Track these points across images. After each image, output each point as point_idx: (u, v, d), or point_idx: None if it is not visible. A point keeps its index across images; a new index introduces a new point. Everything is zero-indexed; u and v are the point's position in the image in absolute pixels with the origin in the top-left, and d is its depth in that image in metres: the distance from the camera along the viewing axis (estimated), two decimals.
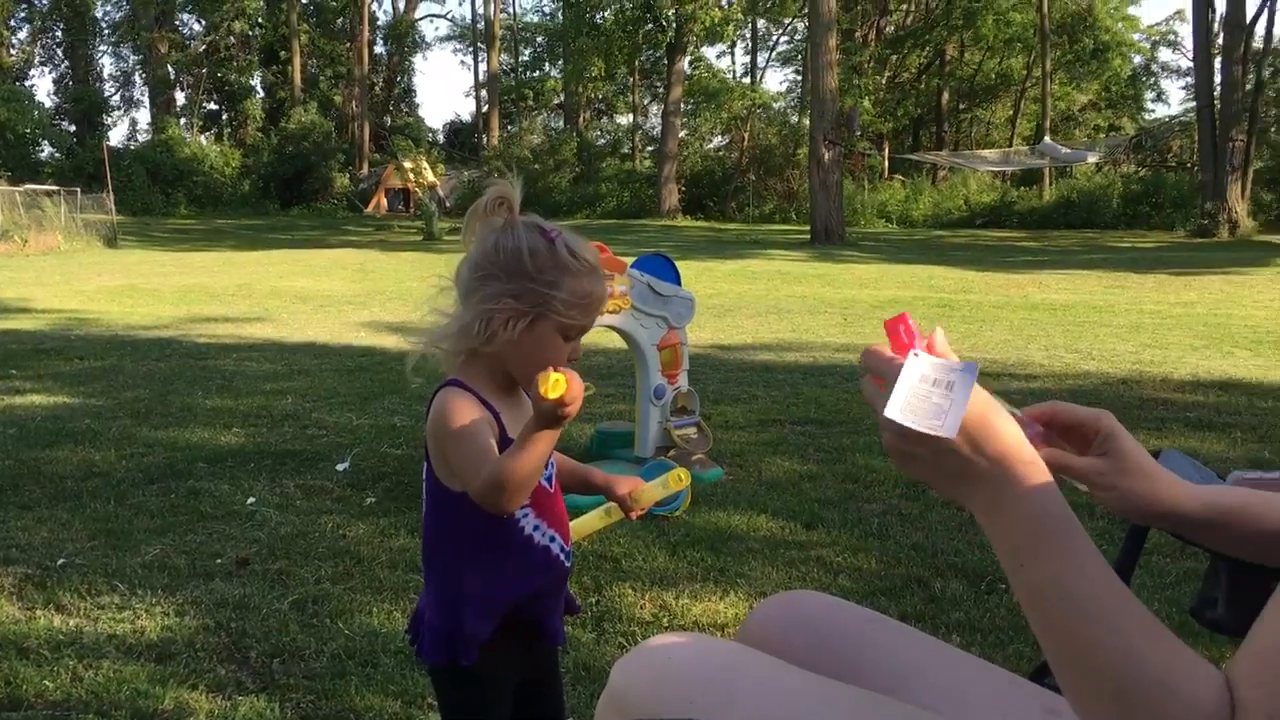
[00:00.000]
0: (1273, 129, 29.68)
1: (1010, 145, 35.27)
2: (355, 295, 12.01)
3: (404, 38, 51.97)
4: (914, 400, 0.90)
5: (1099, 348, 8.00)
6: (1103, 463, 1.14)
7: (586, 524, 1.74)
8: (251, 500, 4.00)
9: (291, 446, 4.85)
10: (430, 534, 1.61)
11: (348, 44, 47.27)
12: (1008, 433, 0.90)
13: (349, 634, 2.76)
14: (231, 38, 45.28)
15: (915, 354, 0.92)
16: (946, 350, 0.95)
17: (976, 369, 0.90)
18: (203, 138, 45.86)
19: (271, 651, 2.67)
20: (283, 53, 44.77)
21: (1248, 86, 25.76)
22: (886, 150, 37.82)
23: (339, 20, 48.36)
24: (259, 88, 48.27)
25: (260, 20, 46.20)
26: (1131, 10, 40.84)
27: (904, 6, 41.44)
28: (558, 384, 1.32)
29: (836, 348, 8.02)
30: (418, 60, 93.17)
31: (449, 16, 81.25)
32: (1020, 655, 2.60)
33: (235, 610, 2.93)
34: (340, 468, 4.46)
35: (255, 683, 2.51)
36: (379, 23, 51.31)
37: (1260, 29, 27.02)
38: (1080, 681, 0.85)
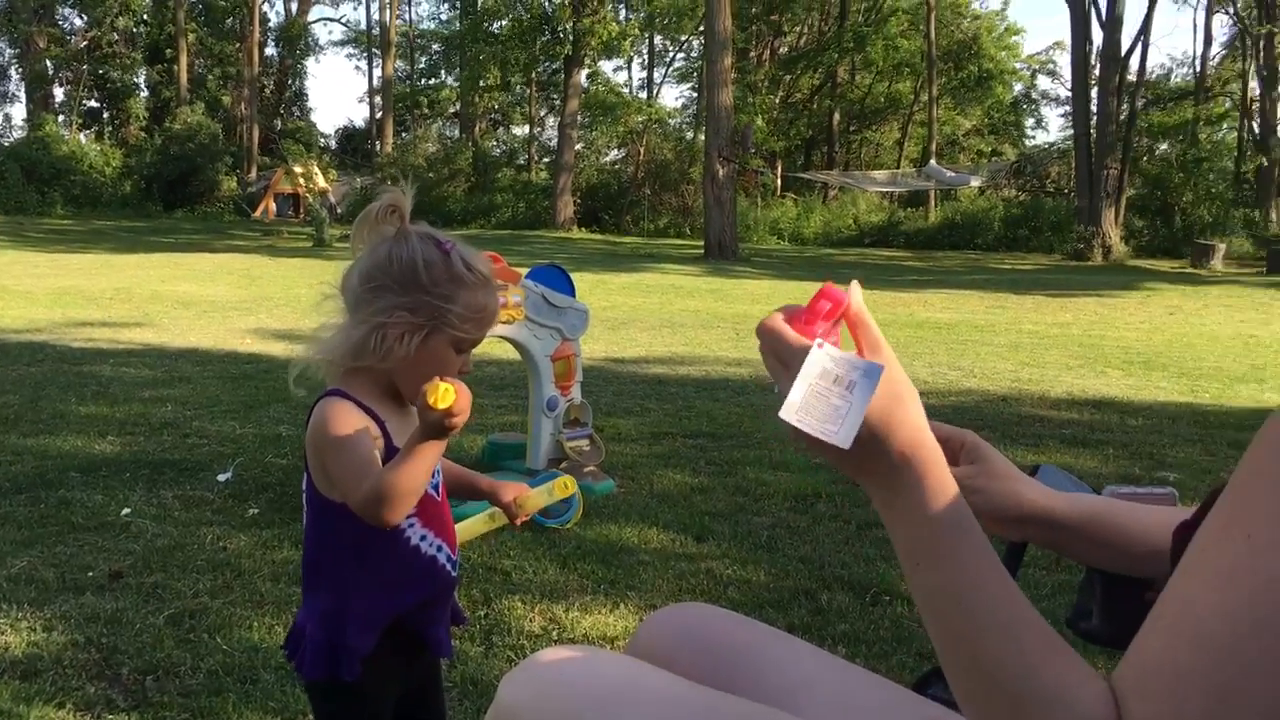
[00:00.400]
0: (1144, 158, 31.04)
1: (898, 167, 36.22)
2: (241, 301, 11.71)
3: (296, 40, 50.95)
4: (811, 399, 0.84)
5: (980, 366, 8.24)
6: (971, 469, 1.23)
7: (470, 528, 1.72)
8: (126, 511, 3.86)
9: (170, 456, 4.69)
10: (312, 545, 1.57)
11: (237, 44, 46.14)
12: (913, 426, 0.87)
13: (227, 649, 2.68)
14: (115, 34, 43.78)
15: (820, 344, 0.85)
16: (863, 311, 0.89)
17: (881, 371, 0.85)
18: (82, 136, 44.21)
19: (145, 668, 2.57)
20: (169, 51, 43.47)
21: (1122, 117, 26.90)
22: (779, 168, 38.45)
23: (229, 20, 47.17)
24: (143, 86, 46.77)
25: (146, 17, 44.78)
26: (1014, 39, 42.32)
27: (798, 29, 42.24)
28: (446, 394, 1.30)
29: (729, 362, 8.10)
30: (310, 64, 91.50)
31: (344, 21, 79.98)
32: (903, 666, 2.66)
33: (107, 625, 2.81)
34: (222, 478, 4.33)
35: (127, 701, 2.42)
36: (270, 24, 50.21)
37: (1135, 62, 28.31)
38: (971, 688, 0.85)
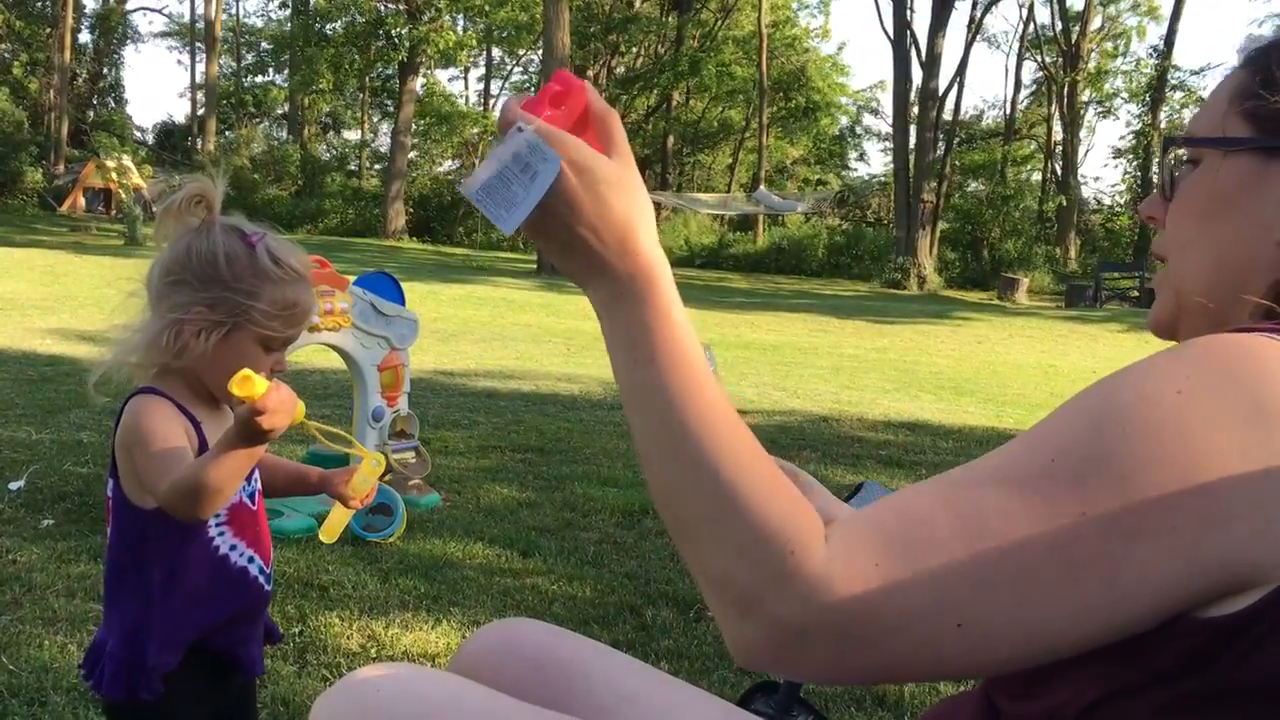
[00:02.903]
0: (957, 194, 32.72)
1: (729, 191, 37.04)
2: (42, 300, 11.01)
3: (114, 29, 48.49)
4: (496, 182, 0.78)
5: (803, 387, 8.48)
6: None
7: (338, 523, 1.64)
8: None
9: None
10: (114, 556, 1.48)
11: (49, 29, 43.56)
12: (648, 237, 0.83)
13: (14, 669, 2.49)
14: None
15: (521, 128, 0.78)
16: (602, 107, 0.84)
17: (559, 162, 0.78)
18: None
19: None
20: None
21: (938, 153, 28.28)
22: None
23: (39, 3, 44.51)
24: None
25: None
26: (841, 79, 43.94)
27: (634, 49, 42.77)
28: (246, 381, 1.21)
29: (559, 377, 8.09)
30: (128, 54, 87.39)
31: (165, 12, 76.63)
32: (724, 681, 2.69)
33: None
34: (13, 486, 4.04)
35: None
36: (86, 10, 47.62)
37: (951, 101, 29.82)
38: (684, 504, 0.78)
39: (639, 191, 0.84)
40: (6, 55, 43.51)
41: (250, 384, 1.21)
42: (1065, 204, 31.44)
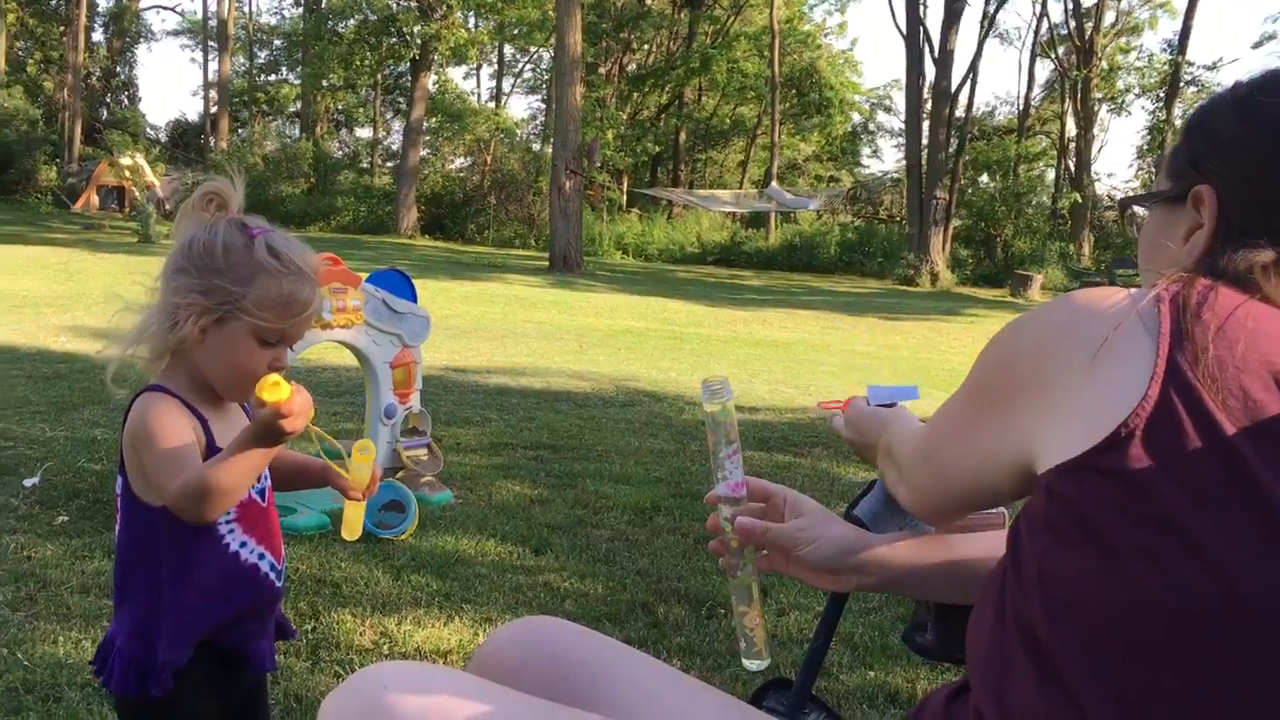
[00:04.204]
0: (970, 190, 32.59)
1: (741, 188, 36.96)
2: (56, 297, 11.05)
3: (127, 27, 48.63)
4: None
5: (816, 384, 8.46)
6: (801, 521, 1.28)
7: (354, 518, 1.64)
8: None
9: None
10: (124, 552, 1.48)
11: (62, 28, 43.69)
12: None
13: (29, 665, 2.51)
14: None
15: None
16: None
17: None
18: None
19: None
20: None
21: (950, 149, 28.16)
22: (625, 184, 38.75)
23: (53, 1, 44.66)
24: None
25: None
26: (853, 78, 43.83)
27: (646, 46, 42.72)
28: (276, 386, 1.24)
29: (571, 374, 8.09)
30: (142, 52, 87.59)
31: (179, 10, 76.72)
32: (736, 678, 2.69)
33: None
34: (28, 483, 4.06)
35: None
36: (100, 8, 47.74)
37: (964, 98, 29.69)
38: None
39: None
40: (20, 53, 43.69)
41: (279, 389, 1.24)
42: (1079, 200, 31.29)
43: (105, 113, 47.45)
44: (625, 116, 40.25)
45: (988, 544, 1.25)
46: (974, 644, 0.99)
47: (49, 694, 2.38)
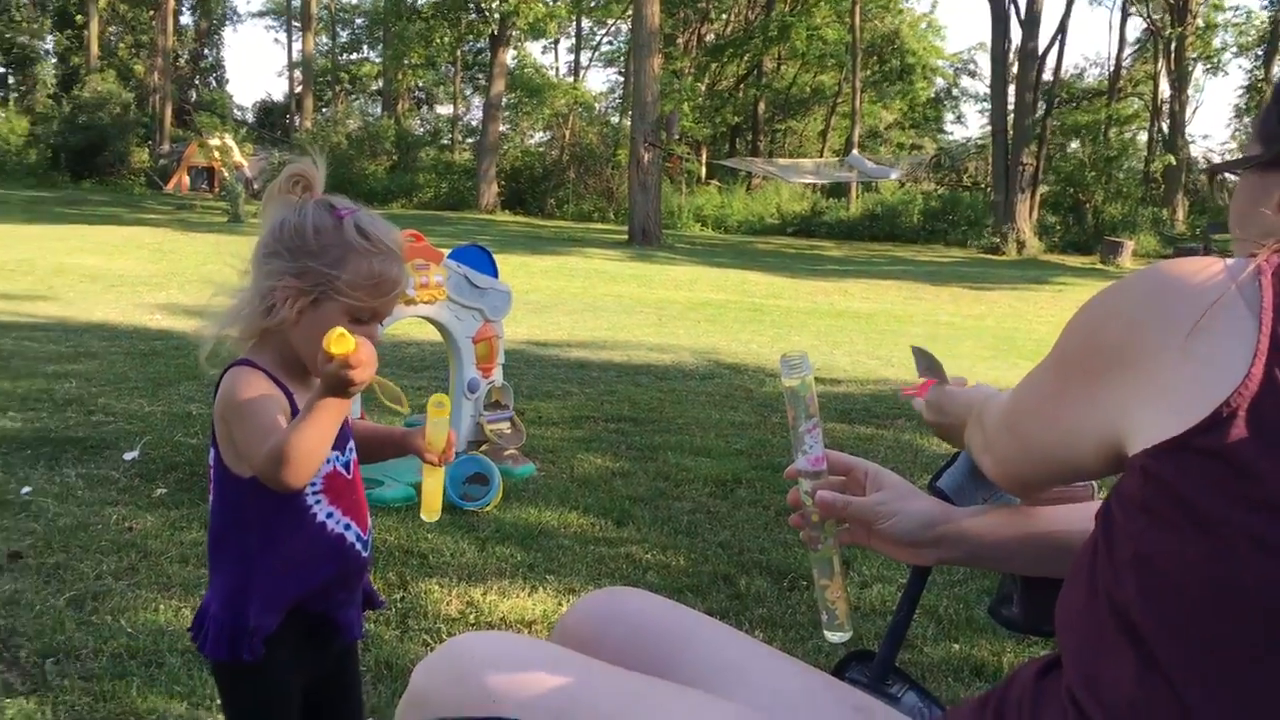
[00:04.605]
0: (1058, 156, 31.77)
1: (821, 157, 36.51)
2: (151, 276, 11.39)
3: (214, 9, 49.64)
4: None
5: (899, 355, 8.36)
6: (882, 495, 1.27)
7: (432, 492, 1.67)
8: (27, 490, 3.72)
9: (75, 433, 4.54)
10: (216, 523, 1.54)
11: (152, 11, 44.75)
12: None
13: (131, 632, 2.60)
14: None
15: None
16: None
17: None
18: None
19: (44, 651, 2.48)
20: (79, 16, 42.01)
21: (1037, 114, 27.46)
22: (704, 155, 38.55)
23: None
24: (51, 52, 45.17)
25: None
26: (936, 41, 42.92)
27: (725, 16, 42.34)
28: (342, 339, 1.26)
29: (651, 347, 8.11)
30: (228, 34, 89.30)
31: None
32: (820, 650, 2.68)
33: (5, 607, 2.71)
34: (128, 456, 4.20)
35: (25, 684, 2.33)
36: None
37: (1051, 61, 28.92)
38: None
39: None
40: (112, 38, 44.86)
41: (345, 341, 1.27)
42: (1173, 164, 30.32)
43: (194, 94, 48.57)
44: (703, 87, 40.00)
45: (1074, 517, 1.22)
46: (1064, 622, 0.97)
47: (151, 659, 2.47)
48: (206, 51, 51.87)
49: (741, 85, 41.84)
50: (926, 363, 1.55)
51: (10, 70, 45.88)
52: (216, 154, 33.33)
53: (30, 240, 14.82)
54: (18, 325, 7.48)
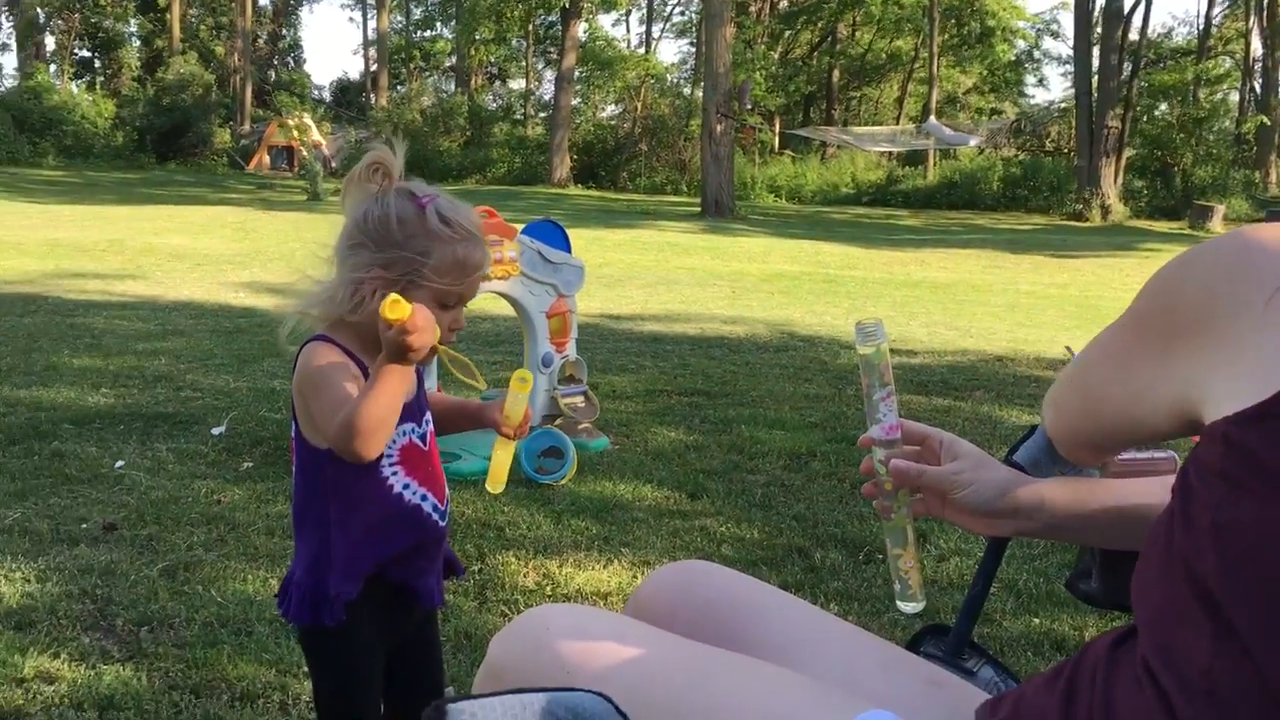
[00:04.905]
0: (1144, 118, 30.85)
1: (898, 124, 35.90)
2: (235, 254, 11.65)
3: None
4: None
5: (977, 325, 8.23)
6: (957, 464, 1.24)
7: (500, 464, 1.69)
8: (120, 463, 3.86)
9: (164, 409, 4.69)
10: (298, 494, 1.59)
11: None
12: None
13: (221, 601, 2.69)
14: None
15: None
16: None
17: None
18: (74, 85, 43.70)
19: (139, 619, 2.58)
20: (161, 0, 42.94)
21: (1123, 75, 26.69)
22: (777, 125, 38.15)
23: None
24: (135, 35, 46.22)
25: None
26: (1017, 2, 41.86)
27: None
28: (396, 304, 1.29)
29: (725, 320, 8.09)
30: (304, 14, 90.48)
31: None
32: (895, 623, 2.67)
33: (101, 577, 2.82)
34: (216, 431, 4.33)
35: (121, 651, 2.42)
36: None
37: (1137, 19, 28.06)
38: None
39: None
40: (193, 20, 45.72)
41: (399, 306, 1.30)
42: (1265, 124, 29.25)
43: (273, 75, 49.35)
44: (776, 56, 39.55)
45: (1155, 489, 1.20)
46: (1140, 592, 0.96)
47: (240, 628, 2.55)
48: (284, 31, 52.63)
49: (815, 53, 41.29)
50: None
51: (96, 54, 47.06)
52: (295, 133, 33.88)
53: (120, 221, 15.25)
54: (109, 304, 7.72)
